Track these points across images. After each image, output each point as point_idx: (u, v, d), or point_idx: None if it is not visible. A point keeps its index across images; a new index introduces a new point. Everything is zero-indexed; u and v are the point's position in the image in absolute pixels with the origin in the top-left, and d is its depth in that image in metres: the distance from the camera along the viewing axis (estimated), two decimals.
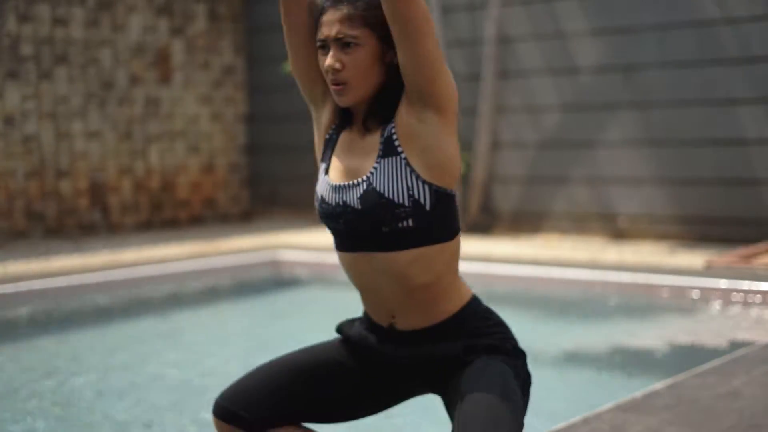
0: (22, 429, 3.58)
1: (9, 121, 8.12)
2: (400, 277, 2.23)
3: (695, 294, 5.32)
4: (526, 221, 7.83)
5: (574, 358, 4.56)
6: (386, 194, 2.19)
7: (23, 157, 8.22)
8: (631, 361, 4.48)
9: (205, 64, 9.59)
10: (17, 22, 8.15)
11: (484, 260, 6.25)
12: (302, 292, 6.61)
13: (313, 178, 8.85)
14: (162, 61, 9.20)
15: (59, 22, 8.41)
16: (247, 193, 10.05)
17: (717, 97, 7.07)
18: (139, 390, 4.15)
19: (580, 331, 5.16)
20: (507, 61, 7.97)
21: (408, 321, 2.29)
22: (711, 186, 7.12)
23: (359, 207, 2.21)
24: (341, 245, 2.31)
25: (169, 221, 9.30)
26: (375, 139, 2.25)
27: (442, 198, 2.22)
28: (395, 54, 2.22)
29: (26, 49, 8.22)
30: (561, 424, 2.94)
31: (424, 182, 2.19)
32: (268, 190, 9.95)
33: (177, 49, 9.34)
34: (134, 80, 8.97)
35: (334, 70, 2.21)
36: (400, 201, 2.18)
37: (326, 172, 2.33)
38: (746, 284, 5.18)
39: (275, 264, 6.88)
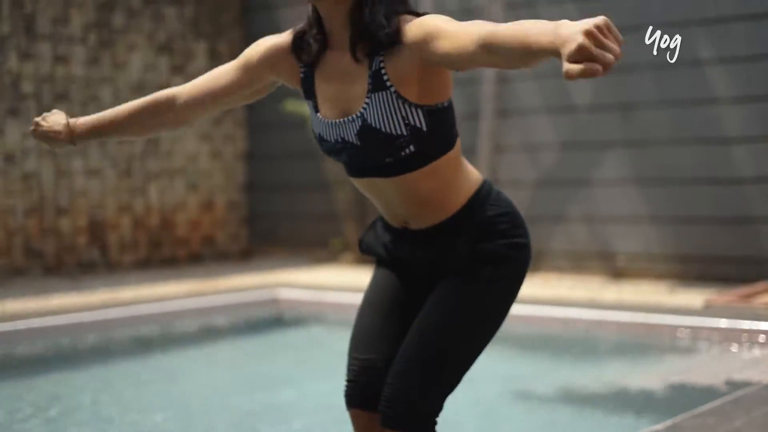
0: None
1: (9, 158, 8.14)
2: (409, 190, 2.28)
3: (695, 334, 5.31)
4: None
5: (572, 398, 4.55)
6: (383, 129, 2.20)
7: (23, 195, 8.23)
8: (630, 401, 4.46)
9: None
10: (18, 60, 8.19)
11: None
12: (302, 331, 6.59)
13: (313, 216, 8.82)
14: None
15: (60, 60, 8.45)
16: (246, 231, 10.05)
17: (714, 136, 7.09)
18: (138, 429, 4.13)
19: (579, 370, 5.14)
20: (506, 99, 8.00)
21: (421, 221, 2.36)
22: (709, 225, 7.13)
23: (358, 143, 2.24)
24: (349, 172, 2.35)
25: (168, 259, 9.30)
26: (360, 70, 2.23)
27: (438, 114, 2.25)
28: None
29: (27, 87, 8.25)
30: None
31: (417, 107, 2.21)
32: (268, 228, 9.95)
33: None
34: None
35: None
36: (398, 132, 2.20)
37: (316, 110, 2.34)
38: (746, 324, 5.17)
39: (274, 302, 6.87)
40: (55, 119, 2.56)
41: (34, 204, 8.30)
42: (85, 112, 8.47)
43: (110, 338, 5.97)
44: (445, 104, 2.27)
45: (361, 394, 2.41)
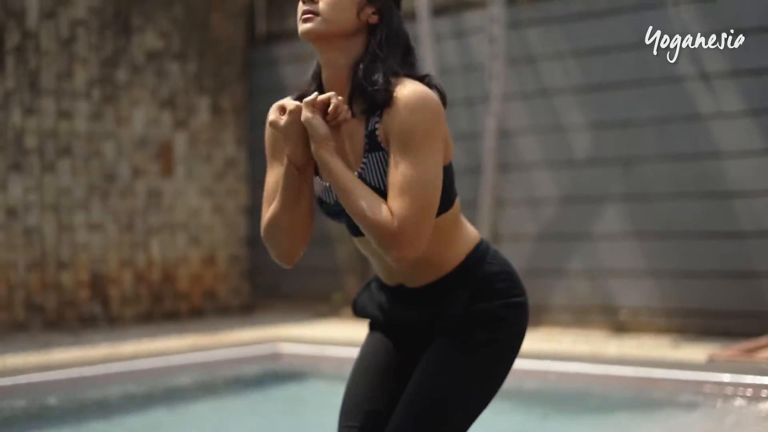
0: None
1: (11, 213, 8.15)
2: None
3: (698, 388, 5.28)
4: None
5: None
6: (381, 188, 2.19)
7: (24, 249, 8.23)
8: None
9: (208, 156, 9.67)
10: (22, 115, 8.24)
11: None
12: (303, 386, 6.56)
13: (315, 271, 8.85)
14: (165, 153, 9.28)
15: (64, 115, 8.50)
16: (248, 285, 10.04)
17: (716, 190, 7.11)
18: None
19: (581, 425, 5.11)
20: (506, 154, 8.03)
21: (417, 279, 2.34)
22: (712, 279, 7.12)
23: None
24: (351, 232, 2.35)
25: (169, 313, 9.28)
26: (358, 127, 2.23)
27: None
28: (373, 13, 2.22)
29: (30, 142, 8.29)
30: None
31: None
32: (269, 282, 9.94)
33: (180, 141, 9.42)
34: (137, 173, 9.03)
35: (311, 1, 2.20)
36: None
37: (316, 171, 2.30)
38: (750, 378, 5.14)
39: (276, 357, 6.84)
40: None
41: (35, 258, 8.30)
42: (88, 167, 8.55)
43: (111, 393, 5.94)
44: (445, 167, 2.26)
45: None
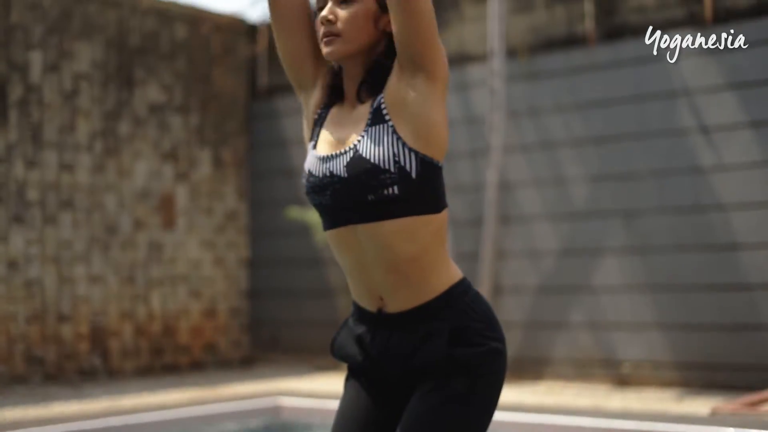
0: None
1: (12, 265, 8.15)
2: (386, 249, 2.23)
3: None
4: (528, 367, 7.78)
5: None
6: (372, 159, 2.21)
7: (25, 302, 8.22)
8: None
9: (209, 209, 9.68)
10: (24, 167, 8.26)
11: None
12: None
13: (316, 324, 8.84)
14: (166, 206, 9.29)
15: (66, 167, 8.53)
16: (249, 338, 10.01)
17: (717, 242, 7.11)
18: None
19: None
20: (507, 206, 8.05)
21: (396, 301, 2.28)
22: (714, 332, 7.10)
23: (345, 175, 2.24)
24: (328, 222, 2.32)
25: (169, 366, 9.24)
26: (365, 110, 2.29)
27: (428, 168, 2.25)
28: (389, 22, 2.29)
29: (32, 194, 8.31)
30: None
31: (410, 150, 2.22)
32: (270, 335, 9.91)
33: (181, 194, 9.44)
34: (138, 225, 9.04)
35: (328, 21, 2.28)
36: (386, 167, 2.20)
37: (314, 147, 2.36)
38: None
39: (277, 410, 6.80)
40: None
41: (36, 311, 8.29)
42: (90, 220, 8.56)
43: None
44: (437, 164, 2.28)
45: None
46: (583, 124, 7.77)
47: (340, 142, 2.30)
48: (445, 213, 2.31)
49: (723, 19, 7.23)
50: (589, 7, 7.86)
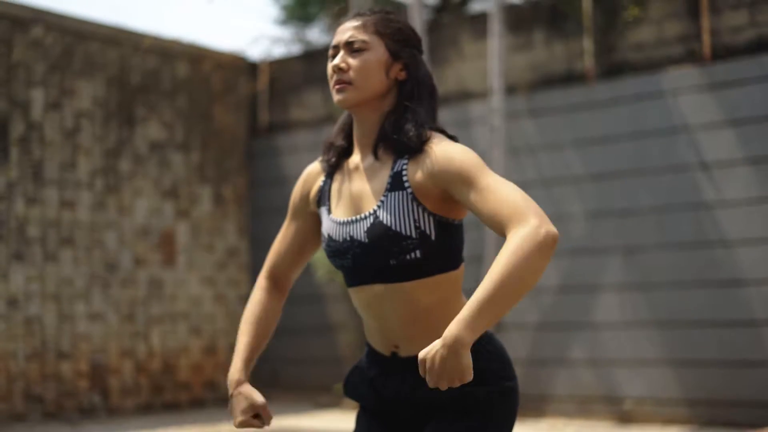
0: None
1: (12, 302, 8.14)
2: (407, 303, 2.25)
3: None
4: (530, 404, 7.75)
5: None
6: (393, 227, 2.21)
7: (24, 339, 8.20)
8: None
9: (209, 246, 9.68)
10: (25, 205, 8.27)
11: None
12: None
13: (316, 361, 8.80)
14: (166, 243, 9.29)
15: (66, 205, 8.54)
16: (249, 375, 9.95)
17: (718, 278, 7.10)
18: None
19: None
20: None
21: (411, 347, 2.29)
22: (716, 368, 7.07)
23: (366, 240, 2.24)
24: (350, 281, 2.34)
25: (169, 404, 9.20)
26: (383, 169, 2.28)
27: (448, 228, 2.26)
28: (401, 70, 2.31)
29: (33, 231, 8.31)
30: None
31: (430, 214, 2.23)
32: (270, 372, 9.87)
33: (182, 231, 9.44)
34: (138, 262, 9.04)
35: (340, 70, 2.29)
36: (407, 233, 2.21)
37: (329, 212, 2.36)
38: None
39: None
40: (242, 402, 2.50)
41: (35, 348, 8.26)
42: (90, 257, 8.55)
43: None
44: (457, 223, 2.29)
45: None
46: (583, 161, 7.78)
47: (358, 205, 2.31)
48: (462, 266, 2.34)
49: (721, 56, 7.27)
50: (588, 45, 7.90)
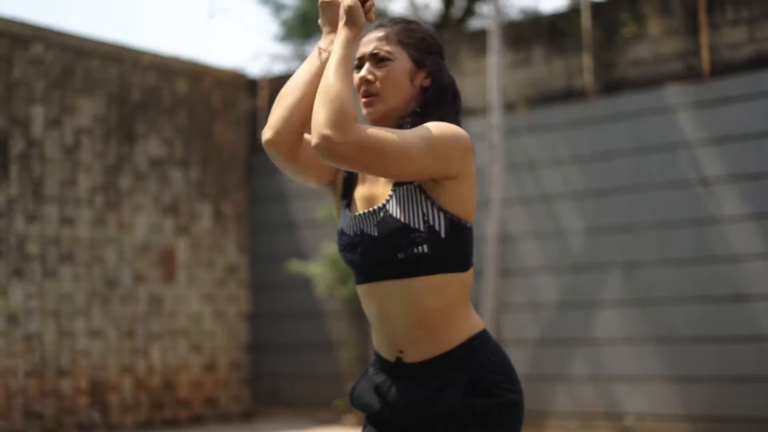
0: None
1: (12, 319, 8.13)
2: (413, 303, 2.25)
3: None
4: (531, 420, 7.73)
5: None
6: (402, 219, 2.24)
7: (24, 356, 8.18)
8: None
9: (209, 262, 9.68)
10: (25, 222, 8.27)
11: None
12: None
13: (317, 377, 8.80)
14: (167, 259, 9.29)
15: (66, 221, 8.54)
16: (249, 392, 9.95)
17: (718, 294, 7.10)
18: None
19: None
20: (508, 259, 8.05)
21: (416, 352, 2.29)
22: (717, 384, 7.06)
23: (376, 234, 2.27)
24: (359, 278, 2.35)
25: (169, 421, 9.18)
26: None
27: (458, 228, 2.27)
28: (425, 77, 2.36)
29: (32, 248, 8.31)
30: None
31: (439, 209, 2.25)
32: (270, 388, 9.86)
33: (181, 247, 9.44)
34: (138, 279, 9.03)
35: (367, 82, 2.34)
36: (416, 226, 2.23)
37: (348, 206, 2.40)
38: None
39: None
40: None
41: (35, 365, 8.25)
42: (90, 274, 8.55)
43: None
44: (467, 225, 2.30)
45: None
46: (583, 177, 7.79)
47: (370, 200, 2.34)
48: (471, 271, 2.35)
49: (720, 72, 7.29)
50: (587, 61, 7.92)
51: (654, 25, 7.68)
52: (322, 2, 2.40)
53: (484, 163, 8.09)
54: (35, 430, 8.20)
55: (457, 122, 2.37)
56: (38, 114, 8.44)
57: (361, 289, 2.36)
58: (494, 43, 7.85)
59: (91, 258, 8.69)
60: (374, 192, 2.34)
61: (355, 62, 2.38)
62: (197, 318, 9.53)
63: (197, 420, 9.41)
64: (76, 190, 8.65)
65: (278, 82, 10.15)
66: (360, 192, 2.38)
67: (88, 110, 8.79)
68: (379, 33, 2.37)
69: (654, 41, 7.67)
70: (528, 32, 8.35)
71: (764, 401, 6.86)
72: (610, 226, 7.63)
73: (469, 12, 11.20)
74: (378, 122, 2.36)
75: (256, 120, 10.17)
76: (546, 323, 7.88)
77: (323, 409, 9.11)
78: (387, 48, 2.34)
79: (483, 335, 2.35)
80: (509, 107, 8.15)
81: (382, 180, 2.33)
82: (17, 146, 8.27)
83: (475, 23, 11.20)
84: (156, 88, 9.39)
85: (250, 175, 10.13)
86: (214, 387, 9.62)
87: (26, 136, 8.34)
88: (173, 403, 9.26)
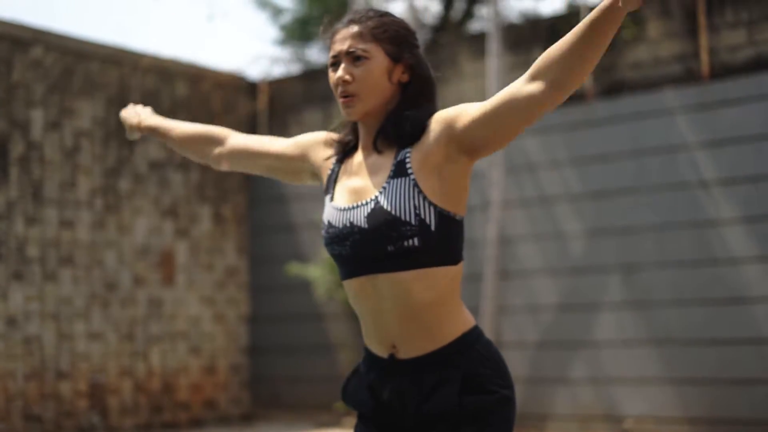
0: None
1: (11, 322, 8.13)
2: (404, 297, 2.25)
3: None
4: (530, 423, 7.73)
5: None
6: (393, 212, 2.23)
7: (23, 359, 8.18)
8: None
9: (209, 265, 9.68)
10: (24, 224, 8.27)
11: None
12: None
13: (317, 380, 8.81)
14: (166, 262, 9.29)
15: (66, 224, 8.54)
16: (249, 394, 9.95)
17: (717, 296, 7.10)
18: None
19: None
20: (507, 261, 8.05)
21: (409, 347, 2.28)
22: (716, 386, 7.06)
23: (366, 226, 2.26)
24: (347, 272, 2.33)
25: (169, 423, 9.17)
26: (386, 161, 2.31)
27: (448, 221, 2.26)
28: (403, 72, 2.35)
29: (32, 251, 8.31)
30: None
31: (430, 203, 2.25)
32: (270, 391, 9.85)
33: (181, 250, 9.44)
34: (138, 281, 9.03)
35: (344, 82, 2.32)
36: (407, 219, 2.22)
37: (331, 199, 2.39)
38: None
39: None
40: (139, 111, 2.90)
41: (34, 368, 8.25)
42: (89, 277, 8.55)
43: None
44: (457, 218, 2.30)
45: None
46: (582, 179, 7.79)
47: (360, 193, 2.33)
48: (461, 265, 2.35)
49: (720, 74, 7.29)
50: None
51: (653, 28, 7.68)
52: None
53: (484, 165, 8.09)
54: None
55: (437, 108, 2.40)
56: (38, 117, 8.44)
57: (349, 284, 2.35)
58: (494, 45, 7.85)
59: (91, 261, 8.69)
60: (364, 184, 2.33)
61: (330, 60, 2.38)
62: (197, 321, 9.53)
63: (197, 423, 9.41)
64: (75, 193, 8.65)
65: (278, 84, 10.15)
66: (347, 184, 2.37)
67: (87, 113, 8.80)
68: (353, 29, 2.34)
69: (653, 44, 7.67)
70: (527, 35, 8.36)
71: (764, 403, 6.86)
72: (609, 228, 7.63)
73: (468, 14, 11.20)
74: (360, 120, 2.37)
75: (256, 123, 10.17)
76: (545, 325, 7.88)
77: (323, 411, 9.11)
78: (362, 46, 2.32)
79: (476, 330, 2.35)
80: None
81: (371, 175, 2.32)
82: (17, 149, 8.27)
83: (474, 26, 11.20)
84: (156, 90, 9.39)
85: (249, 177, 10.13)
86: (213, 390, 9.62)
87: (26, 139, 8.34)
88: (173, 406, 9.26)
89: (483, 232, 8.06)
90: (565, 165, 7.88)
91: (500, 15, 8.18)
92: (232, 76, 10.09)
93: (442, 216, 2.26)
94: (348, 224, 2.30)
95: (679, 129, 7.37)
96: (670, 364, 7.28)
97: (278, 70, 12.32)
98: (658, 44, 7.64)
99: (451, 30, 10.65)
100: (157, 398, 9.14)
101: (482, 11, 11.04)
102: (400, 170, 2.28)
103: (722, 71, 7.30)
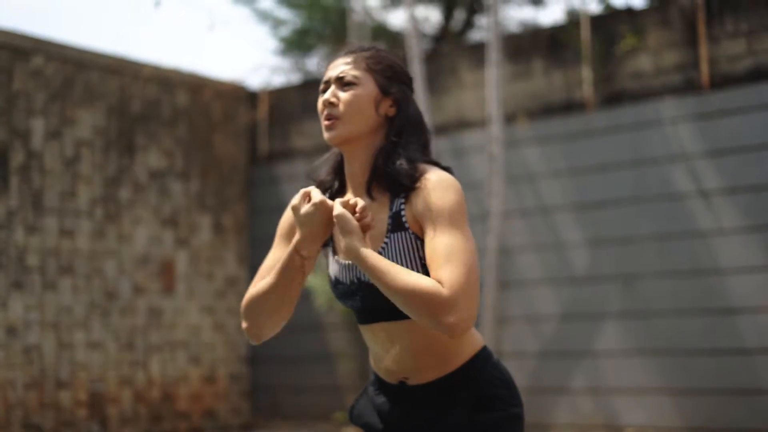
0: None
1: (11, 331, 8.12)
2: (417, 339, 2.26)
3: None
4: None
5: None
6: (403, 265, 2.23)
7: (23, 368, 8.17)
8: None
9: (209, 274, 9.68)
10: (24, 233, 8.27)
11: None
12: None
13: (317, 389, 8.81)
14: (166, 271, 9.29)
15: (66, 233, 8.54)
16: (249, 404, 9.94)
17: (717, 306, 7.10)
18: None
19: None
20: (507, 271, 8.04)
21: (420, 377, 2.30)
22: (717, 396, 7.05)
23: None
24: (360, 320, 2.34)
25: None
26: (380, 210, 2.30)
27: None
28: (390, 105, 2.32)
29: (32, 260, 8.31)
30: None
31: None
32: (270, 401, 9.84)
33: (181, 259, 9.44)
34: (138, 291, 9.03)
35: (330, 104, 2.30)
36: (415, 271, 2.21)
37: (334, 253, 2.38)
38: None
39: None
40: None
41: (34, 377, 8.24)
42: (89, 286, 8.55)
43: None
44: None
45: None
46: (582, 189, 7.80)
47: None
48: None
49: (720, 84, 7.30)
50: (587, 74, 7.93)
51: (653, 38, 7.69)
52: (294, 207, 2.30)
53: (484, 175, 8.10)
54: None
55: (427, 155, 2.36)
56: (38, 126, 8.44)
57: (364, 328, 2.36)
58: (494, 55, 7.86)
59: (91, 270, 8.69)
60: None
61: (321, 86, 2.36)
62: (197, 330, 9.52)
63: None
64: (75, 202, 8.65)
65: (278, 94, 10.16)
66: None
67: (88, 122, 8.80)
68: (348, 58, 2.33)
69: (653, 54, 7.68)
70: (527, 45, 8.37)
71: (763, 414, 6.85)
72: (609, 238, 7.63)
73: (468, 24, 11.22)
74: (340, 147, 2.33)
75: (256, 132, 10.18)
76: (545, 335, 7.87)
77: (323, 421, 9.10)
78: (353, 72, 2.30)
79: (485, 351, 2.35)
80: (509, 119, 8.16)
81: (373, 229, 2.29)
82: (17, 158, 8.28)
83: (474, 36, 11.22)
84: (156, 100, 9.40)
85: (249, 187, 10.14)
86: (213, 399, 9.61)
87: (26, 148, 8.35)
88: (172, 416, 9.25)
89: (483, 243, 8.06)
90: (565, 175, 7.88)
91: (500, 25, 8.19)
92: (232, 85, 10.10)
93: None
94: (356, 281, 2.31)
95: (679, 139, 7.37)
96: (670, 373, 7.27)
97: (278, 80, 12.34)
98: (658, 54, 7.65)
99: (451, 40, 10.66)
100: (157, 408, 9.12)
101: (482, 21, 11.05)
102: (397, 223, 2.27)
103: (722, 81, 7.31)
